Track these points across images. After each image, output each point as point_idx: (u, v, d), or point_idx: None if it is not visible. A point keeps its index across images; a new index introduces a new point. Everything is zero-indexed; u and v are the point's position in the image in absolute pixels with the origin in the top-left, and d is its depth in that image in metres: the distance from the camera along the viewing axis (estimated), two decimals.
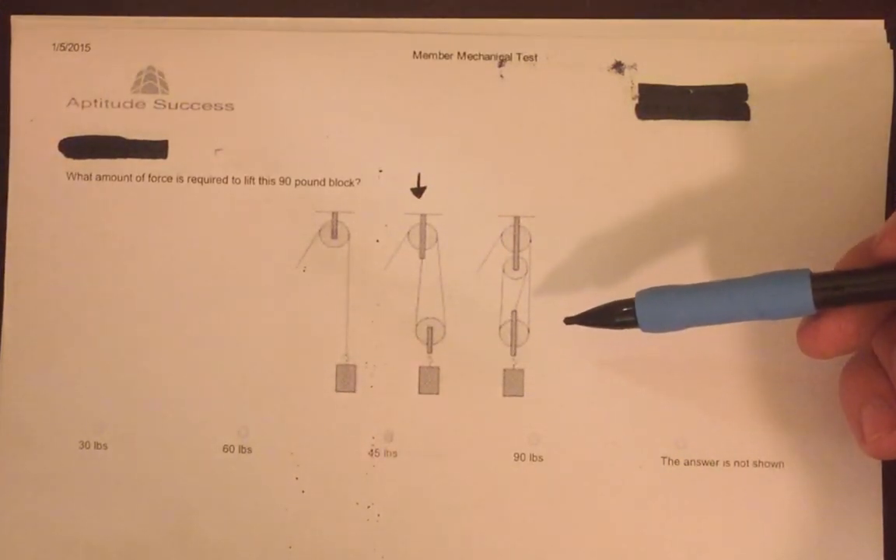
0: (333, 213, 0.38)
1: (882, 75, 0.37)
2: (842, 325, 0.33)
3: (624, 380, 0.37)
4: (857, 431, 0.34)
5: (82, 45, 0.38)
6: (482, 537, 0.37)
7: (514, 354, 0.37)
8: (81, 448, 0.38)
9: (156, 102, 0.38)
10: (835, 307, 0.33)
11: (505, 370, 0.37)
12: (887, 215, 0.37)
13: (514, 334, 0.37)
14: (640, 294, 0.34)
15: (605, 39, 0.38)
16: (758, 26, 0.38)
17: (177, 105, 0.38)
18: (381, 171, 0.38)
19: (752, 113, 0.37)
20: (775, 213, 0.37)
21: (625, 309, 0.34)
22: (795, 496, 0.37)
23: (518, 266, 0.37)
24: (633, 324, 0.34)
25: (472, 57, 0.38)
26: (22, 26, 0.38)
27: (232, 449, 0.38)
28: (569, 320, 0.35)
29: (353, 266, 0.38)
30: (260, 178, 0.38)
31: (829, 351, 0.33)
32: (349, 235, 0.38)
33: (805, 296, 0.32)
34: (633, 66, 0.38)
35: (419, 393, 0.38)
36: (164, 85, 0.38)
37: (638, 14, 0.38)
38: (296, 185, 0.38)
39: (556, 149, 0.37)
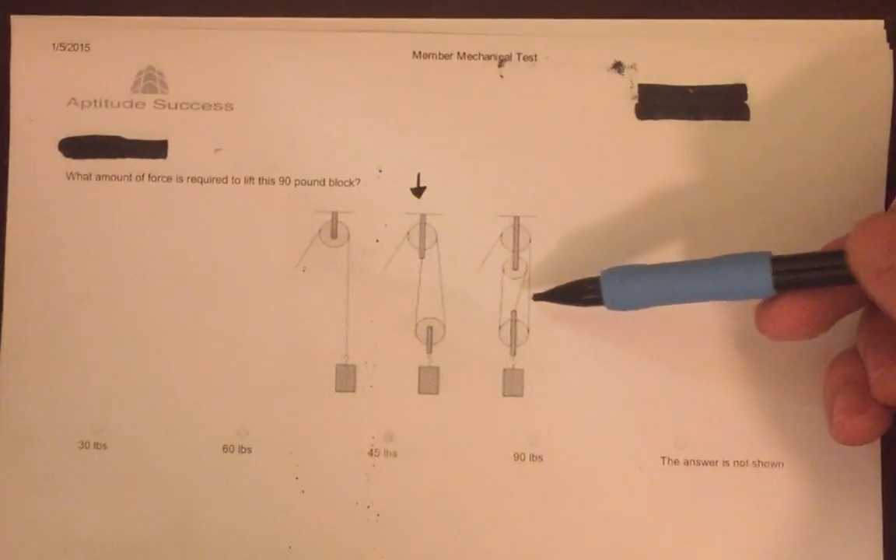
0: (333, 213, 0.38)
1: (882, 75, 0.37)
2: (794, 310, 0.33)
3: (623, 380, 0.37)
4: (829, 416, 0.34)
5: (82, 45, 0.38)
6: (482, 537, 0.37)
7: (514, 354, 0.37)
8: (81, 448, 0.38)
9: (155, 102, 0.38)
10: (794, 290, 0.33)
11: (505, 370, 0.37)
12: None
13: (513, 334, 0.37)
14: (605, 273, 0.34)
15: (604, 39, 0.38)
16: (757, 26, 0.38)
17: (176, 105, 0.38)
18: (380, 171, 0.38)
19: (752, 113, 0.37)
20: (775, 212, 0.37)
21: (590, 287, 0.35)
22: (795, 496, 0.37)
23: (518, 266, 0.37)
24: (599, 301, 0.35)
25: (472, 57, 0.38)
26: (22, 26, 0.38)
27: (232, 449, 0.38)
28: (537, 297, 0.36)
29: (352, 266, 0.38)
30: (260, 178, 0.38)
31: (782, 334, 0.33)
32: (349, 235, 0.38)
33: (765, 278, 0.32)
34: (633, 66, 0.38)
35: (419, 393, 0.38)
36: (164, 85, 0.38)
37: (638, 14, 0.38)
38: (296, 185, 0.38)
39: (555, 149, 0.37)
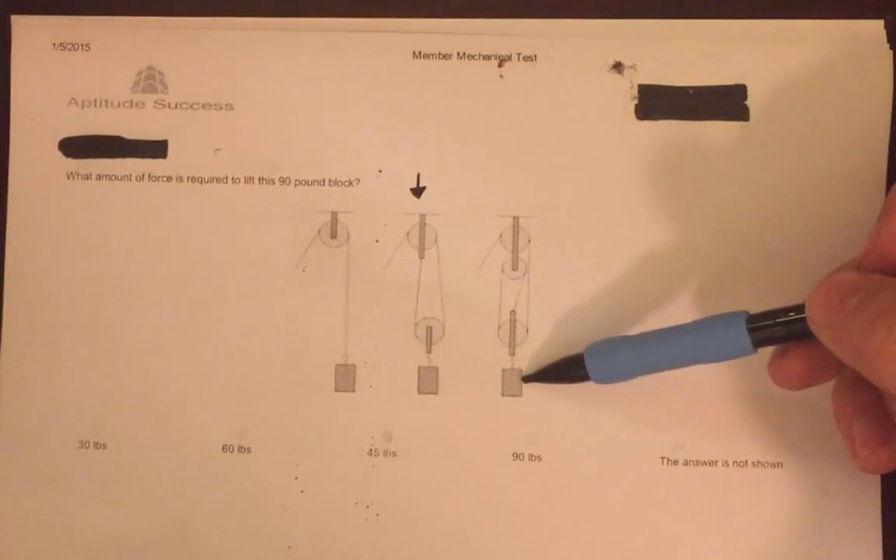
0: (333, 213, 0.38)
1: (881, 75, 0.37)
2: (807, 361, 0.33)
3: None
4: (849, 446, 0.34)
5: (82, 45, 0.38)
6: (481, 536, 0.37)
7: (513, 354, 0.37)
8: (81, 447, 0.38)
9: (155, 102, 0.38)
10: (773, 345, 0.33)
11: (503, 370, 0.37)
12: None
13: (512, 334, 0.37)
14: (589, 349, 0.35)
15: (604, 39, 0.38)
16: (757, 26, 0.38)
17: (176, 105, 0.38)
18: (380, 171, 0.38)
19: (752, 113, 0.37)
20: (774, 213, 0.37)
21: (577, 364, 0.36)
22: (794, 496, 0.37)
23: (517, 266, 0.37)
24: (586, 377, 0.36)
25: (472, 57, 0.38)
26: (22, 26, 0.38)
27: (231, 448, 0.38)
28: (527, 379, 0.37)
29: (352, 266, 0.38)
30: (260, 178, 0.38)
31: (795, 384, 0.34)
32: (349, 235, 0.38)
33: (743, 337, 0.33)
34: (633, 67, 0.38)
35: (418, 393, 0.38)
36: (164, 85, 0.38)
37: (638, 14, 0.38)
38: (295, 185, 0.38)
39: (555, 149, 0.37)
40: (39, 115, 0.38)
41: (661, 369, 0.35)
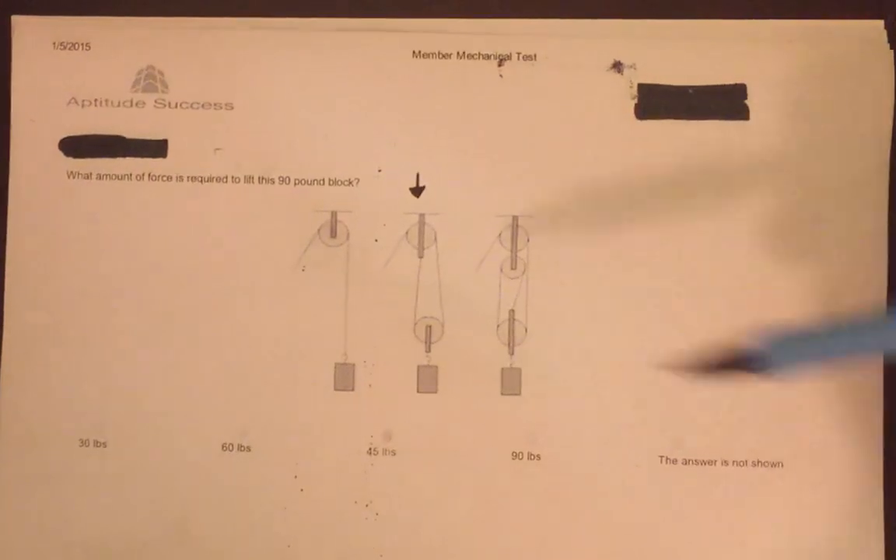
0: (332, 213, 0.38)
1: (882, 76, 0.37)
2: None
3: (621, 379, 0.37)
4: None
5: (82, 45, 0.38)
6: (480, 535, 0.37)
7: (512, 354, 0.37)
8: (81, 446, 0.38)
9: (156, 102, 0.38)
10: None
11: (502, 369, 0.37)
12: (889, 217, 0.37)
13: (511, 334, 0.37)
14: (775, 345, 0.31)
15: (604, 39, 0.38)
16: (757, 26, 0.38)
17: (177, 104, 0.38)
18: (379, 170, 0.38)
19: (751, 113, 0.37)
20: (774, 213, 0.37)
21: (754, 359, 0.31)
22: (795, 496, 0.37)
23: (516, 265, 0.37)
24: (762, 370, 0.31)
25: (472, 56, 0.38)
26: (22, 26, 0.38)
27: (231, 447, 0.38)
28: (692, 369, 0.32)
29: (352, 265, 0.38)
30: (259, 178, 0.38)
31: None
32: (348, 235, 0.38)
33: None
34: (633, 66, 0.38)
35: (417, 392, 0.38)
36: (164, 84, 0.38)
37: (638, 14, 0.38)
38: (295, 184, 0.38)
39: (554, 149, 0.38)
40: (40, 115, 0.38)
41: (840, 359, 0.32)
